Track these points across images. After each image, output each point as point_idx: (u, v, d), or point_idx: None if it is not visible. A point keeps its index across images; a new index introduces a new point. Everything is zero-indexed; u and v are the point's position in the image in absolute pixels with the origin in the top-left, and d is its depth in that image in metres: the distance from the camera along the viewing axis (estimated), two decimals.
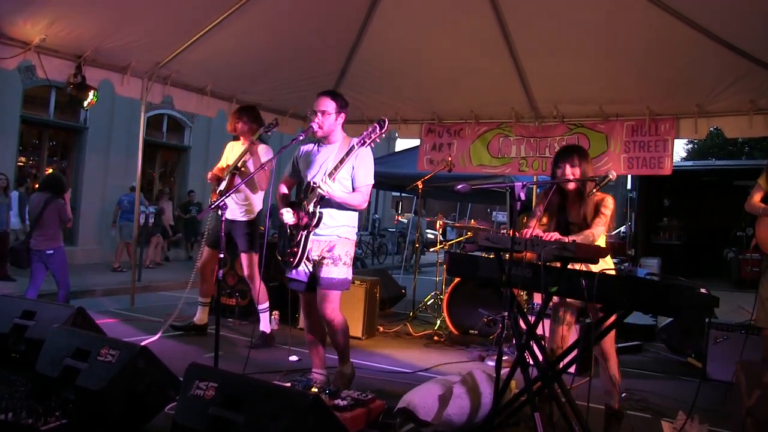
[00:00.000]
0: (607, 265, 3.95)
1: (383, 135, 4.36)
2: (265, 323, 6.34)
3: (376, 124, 4.27)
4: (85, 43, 6.47)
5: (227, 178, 6.03)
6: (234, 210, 6.09)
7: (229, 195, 4.93)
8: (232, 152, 6.25)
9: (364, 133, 4.32)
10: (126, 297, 8.78)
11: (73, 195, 12.62)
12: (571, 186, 4.14)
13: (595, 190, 4.03)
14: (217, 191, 6.07)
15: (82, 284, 10.22)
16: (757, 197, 4.69)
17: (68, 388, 3.55)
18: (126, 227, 12.90)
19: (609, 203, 4.08)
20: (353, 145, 4.33)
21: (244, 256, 6.21)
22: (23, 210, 11.02)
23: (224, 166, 6.20)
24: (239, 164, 5.99)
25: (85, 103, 6.73)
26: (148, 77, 7.26)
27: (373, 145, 4.38)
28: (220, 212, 4.36)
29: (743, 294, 8.15)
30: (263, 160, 5.84)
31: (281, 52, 7.39)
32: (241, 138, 6.18)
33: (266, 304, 6.34)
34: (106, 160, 14.63)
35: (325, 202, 4.41)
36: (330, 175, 4.34)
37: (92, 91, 6.68)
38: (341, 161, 4.34)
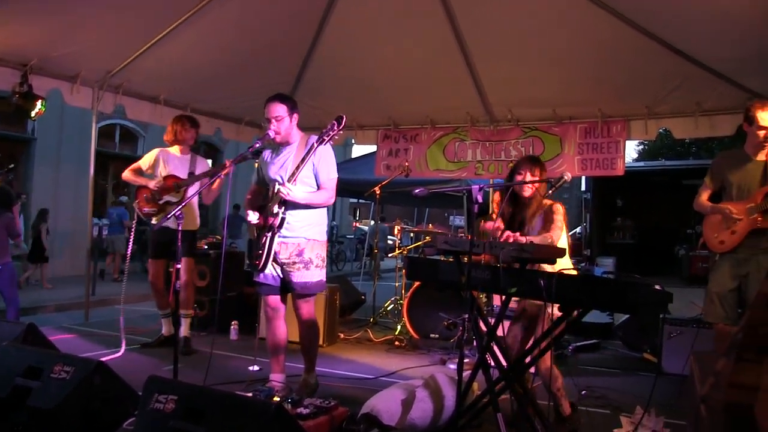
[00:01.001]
0: (567, 265, 4.01)
1: (341, 131, 4.38)
2: (185, 328, 6.31)
3: (334, 121, 4.33)
4: (30, 52, 6.34)
5: (180, 190, 6.06)
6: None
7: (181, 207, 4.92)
8: (168, 161, 6.18)
9: (323, 130, 4.34)
10: (80, 312, 8.60)
11: (22, 208, 12.32)
12: (527, 193, 4.19)
13: (550, 192, 4.08)
14: (163, 201, 6.07)
15: (33, 300, 10.00)
16: (704, 196, 4.80)
17: (19, 409, 3.45)
18: (118, 240, 12.90)
19: (558, 208, 4.14)
20: (312, 144, 4.34)
21: (184, 261, 6.02)
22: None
23: (165, 174, 6.11)
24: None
25: (33, 114, 6.57)
26: (99, 86, 7.14)
27: (332, 141, 4.40)
28: (178, 222, 4.28)
29: (694, 290, 8.33)
30: (203, 170, 6.12)
31: (236, 60, 7.33)
32: (179, 147, 6.23)
33: (189, 312, 6.39)
34: (56, 171, 14.34)
35: (290, 203, 4.41)
36: (290, 179, 4.35)
37: (40, 101, 6.54)
38: (302, 161, 4.35)
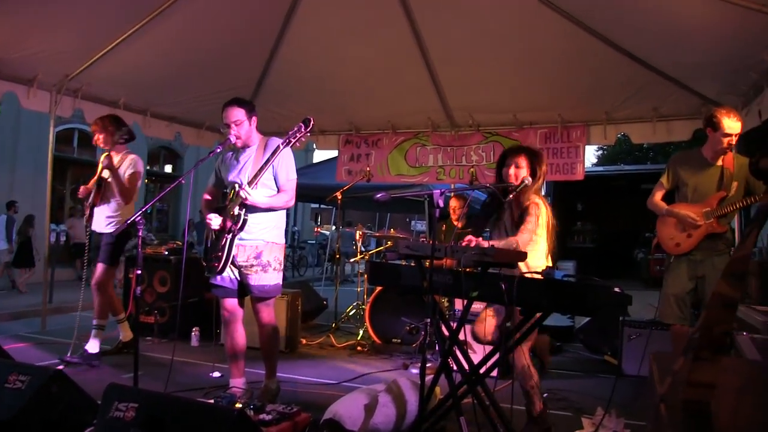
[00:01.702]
0: (541, 266, 4.04)
1: (308, 134, 4.36)
2: (93, 341, 5.88)
3: (301, 123, 4.29)
4: None
5: (94, 190, 5.89)
6: (101, 222, 5.93)
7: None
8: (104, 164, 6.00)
9: (289, 132, 4.31)
10: (37, 320, 8.43)
11: None
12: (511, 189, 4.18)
13: (511, 196, 4.10)
14: (88, 203, 5.95)
15: None
16: (658, 195, 4.87)
17: None
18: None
19: (533, 210, 4.05)
20: (278, 146, 4.31)
21: (99, 266, 5.91)
22: (10, 232, 12.65)
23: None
24: (103, 175, 5.83)
25: None
26: (57, 90, 7.02)
27: (298, 144, 4.37)
28: (137, 228, 4.20)
29: (653, 292, 8.46)
30: (135, 169, 5.89)
31: (196, 65, 7.27)
32: (112, 150, 5.98)
33: (103, 321, 5.99)
34: (11, 176, 14.06)
35: (250, 206, 4.38)
36: (251, 182, 4.32)
37: None
38: (265, 163, 4.32)
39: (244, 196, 4.29)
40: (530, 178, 4.10)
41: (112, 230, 5.87)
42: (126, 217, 5.85)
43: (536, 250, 4.06)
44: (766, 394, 1.73)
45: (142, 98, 7.90)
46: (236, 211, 4.37)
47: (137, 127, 8.16)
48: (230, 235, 4.41)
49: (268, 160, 4.33)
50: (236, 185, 4.43)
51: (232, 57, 7.34)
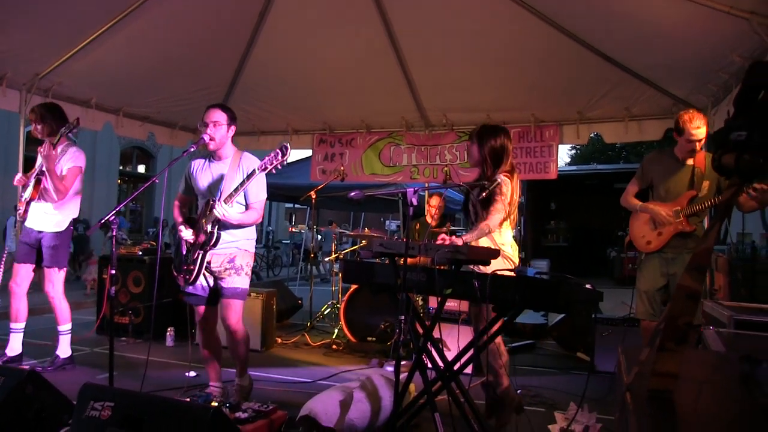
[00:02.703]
0: (508, 248, 4.12)
1: (285, 162, 4.34)
2: (63, 347, 5.76)
3: (278, 151, 4.24)
4: None
5: (32, 184, 5.55)
6: (42, 220, 5.58)
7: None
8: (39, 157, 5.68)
9: (266, 158, 4.27)
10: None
11: None
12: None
13: (484, 194, 4.14)
14: (23, 199, 5.63)
15: None
16: (632, 192, 4.95)
17: None
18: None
19: (502, 188, 4.14)
20: (255, 170, 4.29)
21: (48, 272, 5.59)
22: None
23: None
24: (43, 168, 5.47)
25: None
26: (27, 89, 6.93)
27: (274, 171, 4.35)
28: (111, 228, 4.16)
29: (625, 290, 8.58)
30: (75, 163, 5.58)
31: (169, 64, 7.22)
32: (47, 141, 5.57)
33: (68, 325, 5.76)
34: None
35: (222, 222, 4.38)
36: (226, 199, 4.32)
37: None
38: (241, 185, 4.30)
39: (220, 214, 4.28)
40: (501, 176, 4.17)
41: (53, 229, 5.58)
42: (69, 215, 5.68)
43: (503, 228, 4.22)
44: (726, 383, 1.78)
45: (114, 98, 7.83)
46: (209, 228, 4.38)
47: (109, 127, 8.11)
48: (202, 251, 4.41)
49: (243, 183, 4.32)
50: (211, 201, 4.42)
51: (205, 56, 7.31)
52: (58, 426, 3.58)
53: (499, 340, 4.21)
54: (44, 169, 5.45)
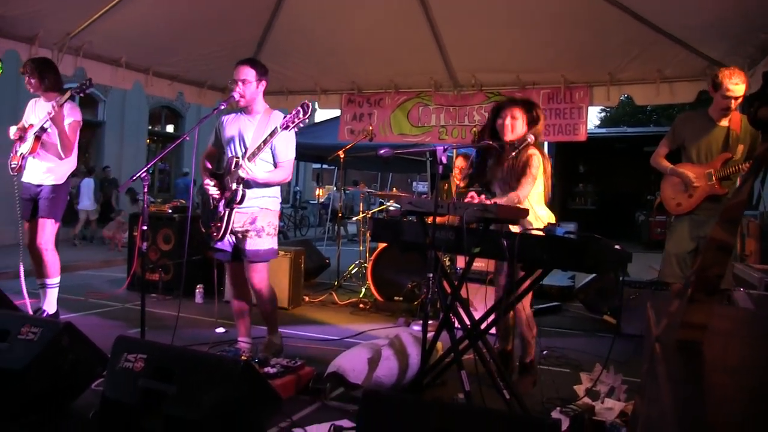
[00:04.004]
0: (544, 216, 4.14)
1: (306, 120, 4.34)
2: (51, 301, 5.69)
3: (299, 108, 4.23)
4: None
5: (31, 139, 5.45)
6: (40, 174, 5.54)
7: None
8: (35, 111, 5.66)
9: (288, 116, 4.27)
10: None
11: None
12: (508, 138, 4.24)
13: (513, 153, 4.14)
14: (18, 153, 5.55)
15: None
16: (662, 153, 4.88)
17: None
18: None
19: (534, 161, 4.15)
20: (276, 128, 4.30)
21: (41, 222, 5.50)
22: (97, 193, 14.78)
23: (28, 126, 5.59)
24: (44, 125, 5.42)
25: None
26: (59, 49, 6.96)
27: (296, 129, 4.36)
28: (141, 196, 4.19)
29: (653, 254, 8.54)
30: (74, 118, 5.52)
31: (198, 23, 7.21)
32: (42, 96, 5.58)
33: (57, 279, 5.68)
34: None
35: (247, 180, 4.41)
36: (251, 158, 4.33)
37: None
38: (264, 143, 4.32)
39: (244, 174, 4.31)
40: (532, 136, 4.17)
41: (53, 182, 5.54)
42: (69, 169, 5.65)
43: (537, 194, 4.24)
44: (754, 337, 1.79)
45: (144, 57, 7.84)
46: (234, 186, 4.40)
47: (138, 87, 8.15)
48: (229, 209, 4.45)
49: (266, 140, 4.33)
50: (236, 159, 4.44)
51: (234, 14, 7.28)
52: (92, 376, 3.68)
53: (530, 311, 4.28)
54: (45, 126, 5.41)
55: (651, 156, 4.95)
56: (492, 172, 4.39)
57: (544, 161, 4.24)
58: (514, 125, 4.23)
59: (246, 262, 4.62)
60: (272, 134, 4.31)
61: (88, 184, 14.57)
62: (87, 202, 14.53)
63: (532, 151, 4.19)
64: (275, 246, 4.71)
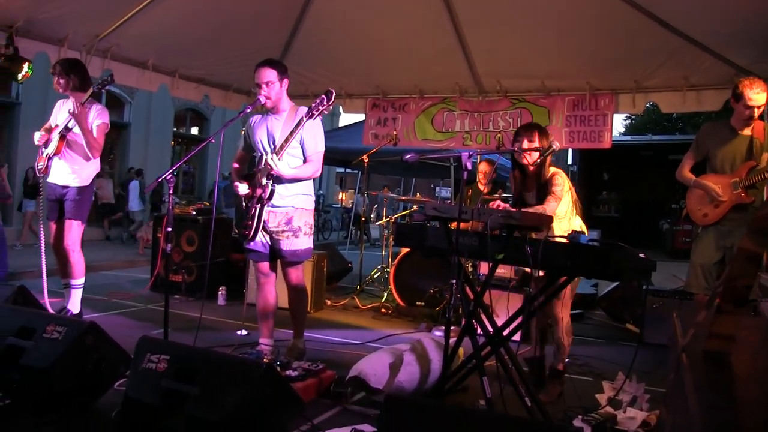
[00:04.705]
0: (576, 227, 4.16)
1: (330, 107, 4.38)
2: (76, 302, 5.71)
3: (323, 96, 4.29)
4: (15, 13, 6.17)
5: (56, 140, 5.50)
6: (65, 175, 5.56)
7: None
8: (61, 111, 5.67)
9: (312, 104, 4.33)
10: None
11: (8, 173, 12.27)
12: (525, 161, 4.26)
13: (537, 159, 4.15)
14: (44, 154, 5.58)
15: (20, 265, 9.97)
16: (687, 166, 4.85)
17: (12, 368, 3.46)
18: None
19: (558, 180, 4.20)
20: (301, 118, 4.35)
21: (68, 223, 5.54)
22: (143, 195, 15.19)
23: (54, 126, 5.65)
24: (69, 125, 5.48)
25: (19, 77, 6.36)
26: (87, 50, 7.05)
27: (320, 117, 4.40)
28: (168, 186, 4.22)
29: (677, 263, 8.46)
30: (102, 120, 5.55)
31: (225, 26, 7.27)
32: (71, 96, 5.55)
33: (82, 280, 5.71)
34: None
35: (277, 176, 4.44)
36: (278, 153, 4.36)
37: (27, 64, 6.33)
38: (290, 134, 4.35)
39: (273, 167, 4.34)
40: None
41: (78, 183, 5.57)
42: (94, 171, 5.67)
43: (570, 215, 4.30)
44: None
45: (170, 60, 7.92)
46: (264, 181, 4.44)
47: (164, 89, 8.23)
48: (259, 205, 4.48)
49: (292, 132, 4.36)
50: (264, 156, 4.48)
51: (260, 19, 7.33)
52: (115, 376, 3.71)
53: (569, 319, 4.30)
54: (69, 125, 5.46)
55: (676, 166, 4.92)
56: (521, 184, 4.43)
57: (568, 181, 4.31)
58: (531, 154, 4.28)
59: (284, 262, 4.65)
60: (298, 125, 4.35)
61: (135, 186, 15.13)
62: (135, 203, 15.15)
63: (554, 170, 4.25)
64: (312, 245, 4.76)
